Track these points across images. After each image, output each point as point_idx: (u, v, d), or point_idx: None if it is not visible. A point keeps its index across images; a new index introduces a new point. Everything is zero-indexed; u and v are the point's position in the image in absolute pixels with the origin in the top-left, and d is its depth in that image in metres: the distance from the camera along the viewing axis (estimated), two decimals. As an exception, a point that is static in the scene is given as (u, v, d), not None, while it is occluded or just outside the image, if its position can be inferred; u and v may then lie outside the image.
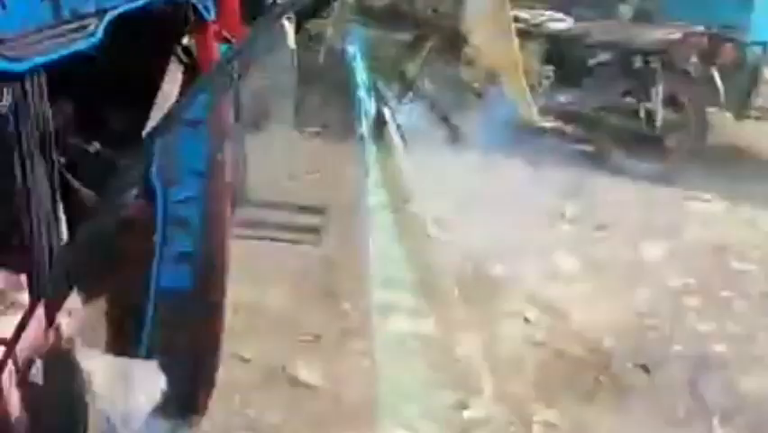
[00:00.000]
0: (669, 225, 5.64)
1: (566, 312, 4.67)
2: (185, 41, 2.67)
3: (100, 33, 2.14)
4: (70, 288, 2.09)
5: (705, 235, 5.56)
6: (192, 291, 2.31)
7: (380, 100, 4.33)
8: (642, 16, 7.22)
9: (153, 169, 2.12)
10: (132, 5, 2.24)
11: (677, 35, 6.39)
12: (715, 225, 5.73)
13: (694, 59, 6.38)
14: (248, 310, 4.27)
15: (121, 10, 2.19)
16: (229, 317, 2.71)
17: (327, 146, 6.06)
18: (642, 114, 6.48)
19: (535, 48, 6.80)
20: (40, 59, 1.98)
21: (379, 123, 3.96)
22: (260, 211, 4.95)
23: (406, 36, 6.72)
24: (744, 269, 5.19)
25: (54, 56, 2.02)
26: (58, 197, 2.17)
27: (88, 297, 2.36)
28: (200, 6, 2.57)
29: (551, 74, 6.79)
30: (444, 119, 6.31)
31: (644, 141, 6.49)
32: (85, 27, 2.10)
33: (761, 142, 6.89)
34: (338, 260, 4.83)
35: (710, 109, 6.44)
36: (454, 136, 6.24)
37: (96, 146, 2.69)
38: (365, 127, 3.29)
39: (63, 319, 2.10)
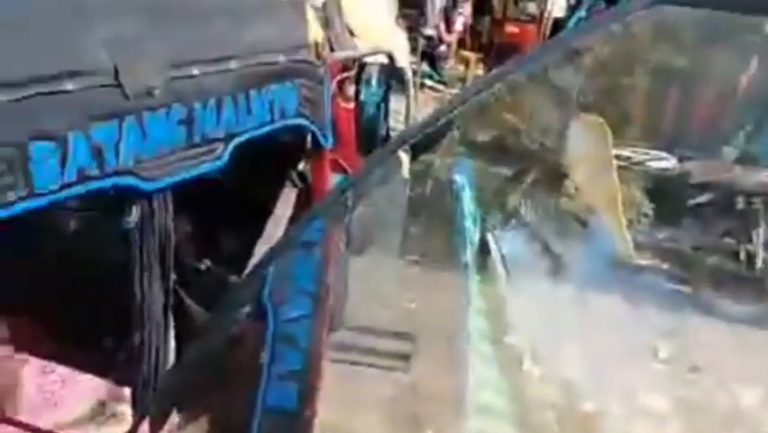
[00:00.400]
0: (766, 370, 5.41)
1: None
2: (300, 166, 2.76)
3: (226, 157, 2.23)
4: (175, 405, 2.11)
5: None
6: (296, 410, 2.30)
7: (485, 229, 4.37)
8: (746, 159, 7.14)
9: (266, 287, 2.15)
10: (258, 132, 2.34)
11: (781, 179, 6.31)
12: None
13: (798, 201, 6.26)
14: (334, 433, 4.23)
15: (248, 136, 2.29)
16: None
17: (428, 275, 6.12)
18: (742, 255, 6.33)
19: (636, 185, 6.78)
20: (169, 180, 2.07)
21: (483, 252, 3.98)
22: (354, 336, 4.97)
23: (509, 169, 6.81)
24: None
25: (182, 177, 2.10)
26: (170, 313, 2.22)
27: (193, 415, 2.37)
28: (319, 135, 2.66)
29: (650, 212, 6.72)
30: (546, 249, 6.29)
31: (744, 283, 6.32)
32: (213, 151, 2.19)
33: None
34: (427, 388, 4.78)
35: (812, 254, 6.26)
36: (555, 267, 6.20)
37: (207, 264, 2.77)
38: (469, 255, 3.31)
39: (168, 436, 2.11)
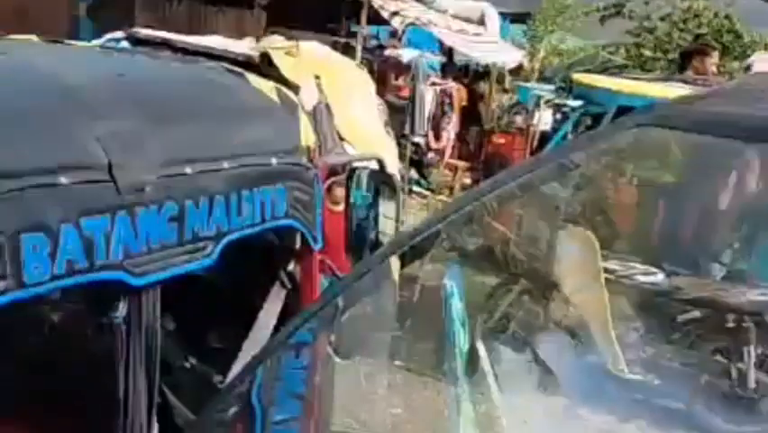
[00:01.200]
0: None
1: None
2: (289, 267, 2.77)
3: (216, 256, 2.25)
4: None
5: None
6: None
7: (474, 337, 4.36)
8: (734, 276, 7.18)
9: (255, 389, 2.14)
10: (249, 232, 2.36)
11: (770, 298, 6.32)
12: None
13: (791, 320, 6.25)
14: None
15: (238, 235, 2.31)
16: None
17: (416, 381, 6.06)
18: (734, 374, 6.29)
19: (625, 299, 6.79)
20: (158, 276, 2.07)
21: (472, 360, 3.96)
22: (340, 442, 4.88)
23: (499, 277, 6.84)
24: None
25: (172, 273, 2.11)
26: (154, 412, 2.19)
27: None
28: (308, 236, 2.68)
29: (640, 326, 6.71)
30: (536, 359, 6.25)
31: (736, 402, 6.25)
32: (203, 249, 2.21)
33: None
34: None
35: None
36: (545, 378, 6.15)
37: (192, 362, 2.75)
38: (458, 363, 3.29)
39: None
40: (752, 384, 6.17)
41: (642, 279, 6.99)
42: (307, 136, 2.64)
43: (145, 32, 3.21)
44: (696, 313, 6.63)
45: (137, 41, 3.14)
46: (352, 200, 3.14)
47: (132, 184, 1.96)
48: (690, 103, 1.78)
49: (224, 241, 2.27)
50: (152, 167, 2.03)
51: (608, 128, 1.97)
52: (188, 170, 2.13)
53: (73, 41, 3.12)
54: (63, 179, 1.80)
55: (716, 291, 6.75)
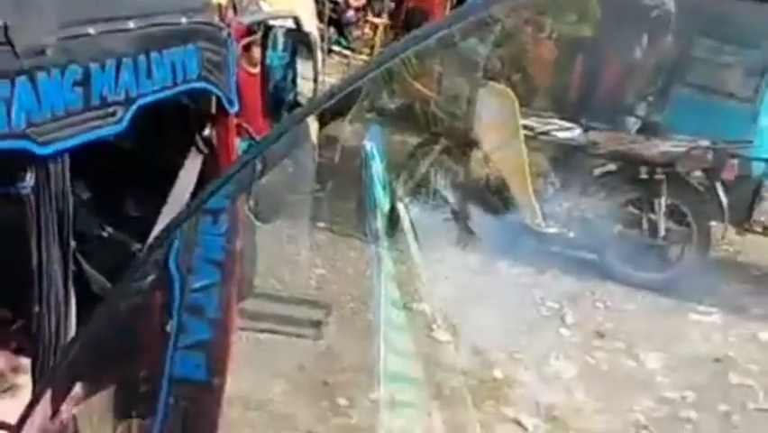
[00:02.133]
0: (669, 336, 5.61)
1: (564, 420, 4.62)
2: (206, 132, 2.70)
3: (126, 121, 2.17)
4: (79, 375, 2.06)
5: (705, 348, 5.51)
6: (205, 381, 2.28)
7: (395, 197, 4.38)
8: (648, 129, 7.32)
9: (172, 256, 2.11)
10: (160, 96, 2.28)
11: (682, 149, 6.46)
12: (715, 339, 5.68)
13: (699, 172, 6.44)
14: (245, 403, 4.21)
15: (148, 100, 2.23)
16: (225, 409, 2.66)
17: (337, 242, 6.13)
18: (645, 224, 6.51)
19: (543, 155, 6.89)
20: (65, 144, 2.00)
21: (393, 219, 3.99)
22: (264, 304, 4.94)
23: (420, 136, 6.85)
24: (742, 383, 5.13)
25: (80, 141, 2.04)
26: (70, 281, 2.16)
27: (96, 387, 2.32)
28: (224, 99, 2.61)
29: (556, 181, 6.84)
30: (455, 217, 6.36)
31: (647, 251, 6.49)
32: (112, 114, 2.13)
33: (762, 257, 6.90)
34: (339, 355, 4.80)
35: (713, 223, 6.47)
36: (464, 234, 6.28)
37: (109, 231, 2.70)
38: (379, 223, 3.31)
39: (69, 407, 2.05)
40: (662, 233, 6.41)
41: (559, 134, 7.08)
42: (219, -6, 2.53)
43: None
44: (611, 166, 6.79)
45: None
46: (268, 61, 3.06)
47: (32, 47, 1.86)
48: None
49: (135, 106, 2.19)
50: (52, 28, 1.91)
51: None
52: (91, 30, 2.02)
53: None
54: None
55: (630, 144, 6.90)
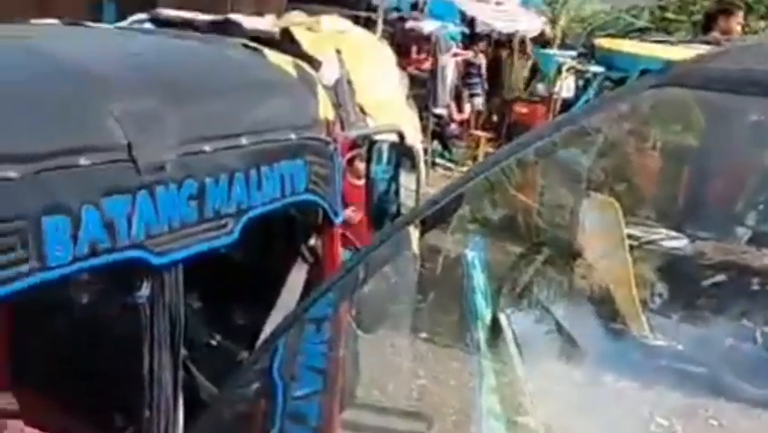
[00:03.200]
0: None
1: None
2: (311, 242, 2.77)
3: (237, 233, 2.25)
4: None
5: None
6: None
7: (497, 308, 4.37)
8: (759, 239, 7.12)
9: (275, 364, 2.15)
10: (269, 208, 2.36)
11: (795, 260, 6.27)
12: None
13: (815, 283, 6.21)
14: None
15: (258, 211, 2.31)
16: None
17: (439, 353, 6.10)
18: (759, 338, 6.26)
19: (649, 265, 6.76)
20: (180, 255, 2.08)
21: (495, 330, 3.96)
22: (366, 414, 4.91)
23: (521, 246, 6.83)
24: None
25: (193, 252, 2.12)
26: (179, 388, 2.21)
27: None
28: (329, 210, 2.68)
29: (664, 292, 6.68)
30: (559, 329, 6.25)
31: (762, 365, 6.22)
32: (224, 226, 2.21)
33: None
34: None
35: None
36: (568, 347, 6.15)
37: (218, 339, 2.77)
38: (481, 333, 3.30)
39: None
40: (777, 347, 6.15)
41: (666, 244, 6.96)
42: (327, 110, 2.64)
43: (168, 12, 3.22)
44: (721, 277, 6.60)
45: (160, 23, 3.15)
46: (372, 174, 3.14)
47: (152, 163, 1.97)
48: (706, 62, 1.75)
49: (245, 217, 2.27)
50: (172, 145, 2.03)
51: (622, 90, 1.94)
52: (207, 147, 2.13)
53: (94, 24, 3.12)
54: (83, 161, 1.80)
55: (740, 255, 6.71)
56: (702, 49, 7.25)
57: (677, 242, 7.00)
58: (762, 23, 13.22)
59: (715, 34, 8.04)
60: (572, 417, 4.85)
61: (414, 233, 2.66)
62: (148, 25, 3.14)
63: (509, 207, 6.85)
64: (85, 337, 2.56)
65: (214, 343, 2.76)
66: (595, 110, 1.99)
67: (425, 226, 2.61)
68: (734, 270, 6.55)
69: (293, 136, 2.45)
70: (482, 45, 13.43)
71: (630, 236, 6.49)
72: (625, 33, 13.96)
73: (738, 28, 8.17)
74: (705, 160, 7.82)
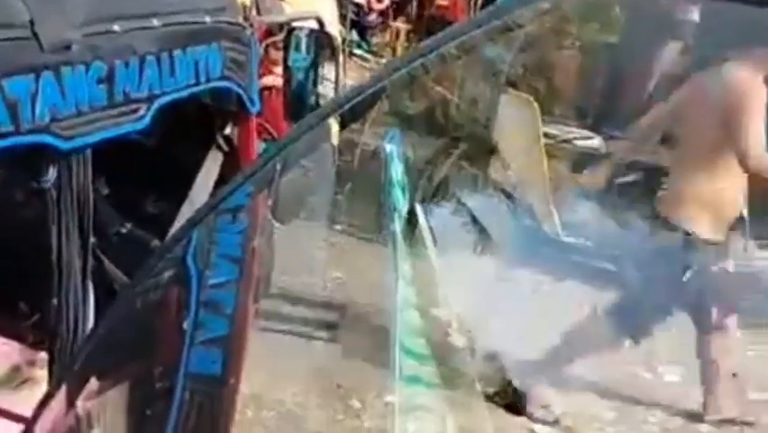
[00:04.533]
0: (688, 346, 5.55)
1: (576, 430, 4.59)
2: (227, 130, 2.71)
3: (148, 119, 2.18)
4: (95, 370, 2.07)
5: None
6: (221, 377, 2.29)
7: (414, 200, 4.39)
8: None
9: (190, 252, 2.12)
10: (183, 94, 2.29)
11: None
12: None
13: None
14: (258, 403, 4.23)
15: (171, 97, 2.24)
16: (238, 409, 2.67)
17: (355, 244, 6.15)
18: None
19: (563, 163, 6.87)
20: (88, 139, 2.01)
21: (412, 222, 3.99)
22: (280, 304, 4.96)
23: (439, 140, 6.86)
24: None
25: (102, 137, 2.05)
26: (89, 276, 2.17)
27: (112, 381, 2.33)
28: (246, 99, 2.62)
29: (575, 190, 6.81)
30: (474, 222, 6.35)
31: (665, 262, 6.43)
32: (135, 111, 2.14)
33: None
34: (354, 358, 4.81)
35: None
36: (482, 240, 6.27)
37: (128, 227, 2.71)
38: (397, 225, 3.31)
39: (84, 402, 2.06)
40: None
41: (580, 143, 7.07)
42: (243, -6, 2.55)
43: None
44: (632, 176, 6.75)
45: None
46: (290, 63, 3.07)
47: (57, 42, 1.87)
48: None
49: (157, 103, 2.19)
50: (78, 24, 1.93)
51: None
52: (116, 27, 2.03)
53: None
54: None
55: (651, 154, 6.87)
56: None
57: (592, 141, 7.12)
58: None
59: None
60: (486, 309, 4.99)
61: (333, 124, 2.63)
62: None
63: (429, 101, 6.84)
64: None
65: (124, 231, 2.70)
66: (518, 5, 1.96)
67: (345, 118, 2.57)
68: (645, 169, 6.69)
69: (207, 19, 2.36)
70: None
71: (546, 134, 6.57)
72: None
73: None
74: (621, 59, 7.91)
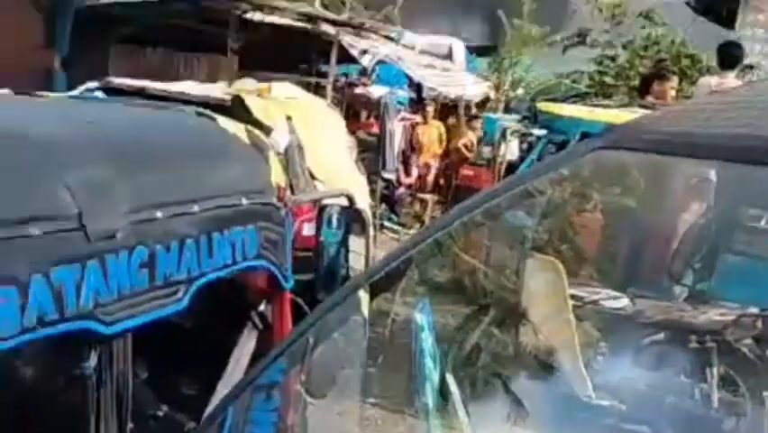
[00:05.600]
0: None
1: None
2: (261, 307, 2.75)
3: (187, 300, 2.22)
4: None
5: None
6: None
7: (445, 369, 4.36)
8: (696, 297, 7.26)
9: (225, 432, 2.11)
10: (220, 274, 2.34)
11: (731, 317, 6.39)
12: None
13: (749, 340, 6.32)
14: None
15: (209, 278, 2.29)
16: None
17: (389, 417, 6.04)
18: (697, 395, 6.34)
19: (592, 326, 6.83)
20: (130, 323, 2.05)
21: (443, 392, 3.95)
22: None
23: (469, 308, 6.86)
24: None
25: (143, 320, 2.09)
26: (126, 461, 2.16)
27: None
28: (280, 276, 2.66)
29: (606, 352, 6.74)
30: (506, 390, 6.25)
31: (700, 422, 6.29)
32: (174, 293, 2.18)
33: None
34: None
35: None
36: (515, 407, 6.15)
37: (164, 410, 2.71)
38: (429, 396, 3.28)
39: None
40: (715, 404, 6.23)
41: (607, 304, 7.04)
42: (278, 175, 2.64)
43: (119, 80, 3.22)
44: (660, 335, 6.69)
45: (112, 91, 3.13)
46: (322, 238, 3.14)
47: (103, 231, 1.94)
48: (643, 124, 1.81)
49: (196, 284, 2.25)
50: (122, 213, 2.01)
51: (565, 153, 1.99)
52: (159, 214, 2.12)
53: (46, 93, 3.09)
54: (33, 230, 1.77)
55: (678, 313, 6.82)
56: (639, 112, 7.49)
57: (618, 301, 7.10)
58: (694, 88, 13.69)
59: (650, 98, 8.29)
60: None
61: (364, 296, 2.66)
62: (99, 94, 3.13)
63: (456, 269, 6.89)
64: (31, 409, 2.48)
65: (160, 414, 2.69)
66: (539, 173, 2.03)
67: (375, 290, 2.60)
68: (672, 328, 6.64)
69: (244, 201, 2.44)
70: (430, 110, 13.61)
71: (573, 297, 6.57)
72: (566, 98, 14.31)
73: (672, 93, 8.42)
74: (643, 221, 7.98)
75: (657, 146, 1.64)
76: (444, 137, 13.34)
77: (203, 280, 2.28)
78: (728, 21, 13.68)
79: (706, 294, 7.19)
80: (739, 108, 1.76)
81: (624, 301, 7.10)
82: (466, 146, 13.64)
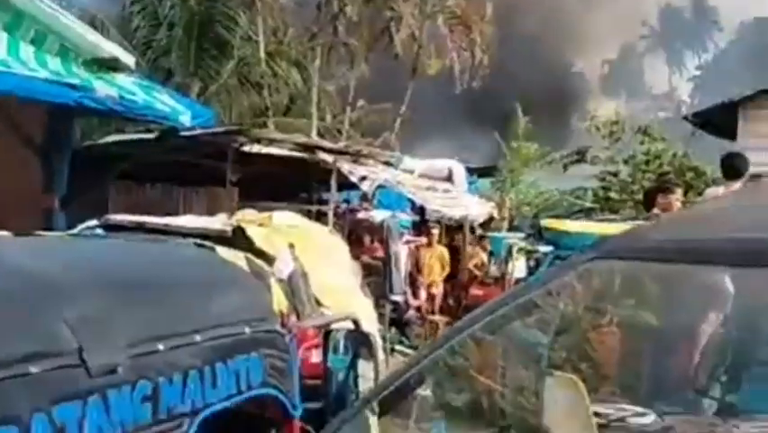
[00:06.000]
0: None
1: None
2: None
3: (192, 432, 2.19)
4: None
5: None
6: None
7: None
8: (725, 410, 7.09)
9: None
10: (226, 404, 2.32)
11: (764, 429, 6.22)
12: None
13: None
14: None
15: (214, 409, 2.27)
16: None
17: None
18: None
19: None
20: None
21: None
22: None
23: (487, 431, 6.70)
24: None
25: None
26: None
27: None
28: (287, 404, 2.64)
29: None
30: None
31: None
32: (179, 426, 2.16)
33: None
34: None
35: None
36: None
37: None
38: None
39: None
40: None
41: (634, 420, 6.86)
42: (280, 302, 2.65)
43: (119, 217, 3.28)
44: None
45: (111, 228, 3.19)
46: (329, 364, 3.12)
47: (104, 366, 1.94)
48: (637, 234, 1.83)
49: (201, 416, 2.22)
50: (124, 347, 2.01)
51: (563, 264, 2.01)
52: (160, 346, 2.12)
53: (45, 233, 3.15)
54: (33, 368, 1.78)
55: (709, 428, 6.64)
56: (645, 226, 7.52)
57: (644, 418, 6.93)
58: (701, 199, 13.78)
59: (656, 211, 8.33)
60: None
61: (372, 419, 2.61)
62: (99, 231, 3.18)
63: (473, 391, 6.77)
64: None
65: None
66: (540, 284, 2.06)
67: (384, 408, 2.57)
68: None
69: (247, 330, 2.44)
70: (435, 232, 13.71)
71: (597, 414, 6.42)
72: (569, 214, 14.43)
73: (678, 204, 8.46)
74: (663, 334, 7.89)
75: (650, 254, 1.65)
76: (447, 261, 13.36)
77: (208, 411, 2.26)
78: (728, 132, 13.86)
79: (736, 407, 7.02)
80: (731, 213, 1.79)
81: (651, 417, 6.92)
82: (476, 266, 13.66)
